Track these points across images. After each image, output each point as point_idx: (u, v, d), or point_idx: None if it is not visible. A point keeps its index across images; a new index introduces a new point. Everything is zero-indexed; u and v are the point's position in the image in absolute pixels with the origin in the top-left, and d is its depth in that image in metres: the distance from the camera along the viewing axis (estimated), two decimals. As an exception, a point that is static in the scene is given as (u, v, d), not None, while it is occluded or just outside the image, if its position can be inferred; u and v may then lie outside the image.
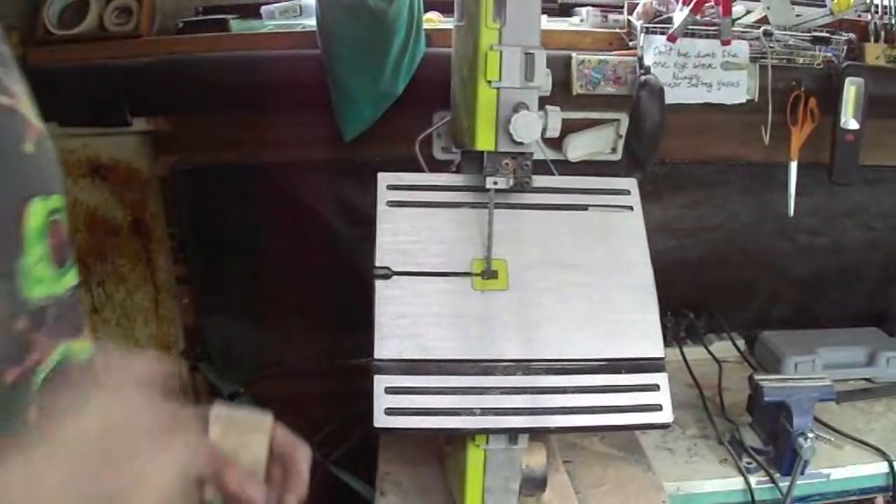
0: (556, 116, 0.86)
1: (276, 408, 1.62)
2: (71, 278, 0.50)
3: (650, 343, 0.90)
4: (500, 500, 0.94)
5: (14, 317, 0.43)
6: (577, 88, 1.30)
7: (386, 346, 0.85)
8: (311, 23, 1.29)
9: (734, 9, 1.29)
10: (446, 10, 1.35)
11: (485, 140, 0.87)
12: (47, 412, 0.45)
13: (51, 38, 1.28)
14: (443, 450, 1.09)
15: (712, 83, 1.33)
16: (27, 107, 0.49)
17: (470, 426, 0.85)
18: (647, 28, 1.31)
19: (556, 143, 1.33)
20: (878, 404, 1.38)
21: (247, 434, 0.58)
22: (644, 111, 1.26)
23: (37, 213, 0.46)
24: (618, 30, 1.38)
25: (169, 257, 1.41)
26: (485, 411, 0.84)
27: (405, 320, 0.87)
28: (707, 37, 1.31)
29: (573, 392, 0.86)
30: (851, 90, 1.32)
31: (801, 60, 1.35)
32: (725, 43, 1.29)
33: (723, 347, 1.51)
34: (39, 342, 0.46)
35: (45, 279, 0.47)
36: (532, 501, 0.99)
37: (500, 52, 0.83)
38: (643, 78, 1.27)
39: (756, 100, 1.35)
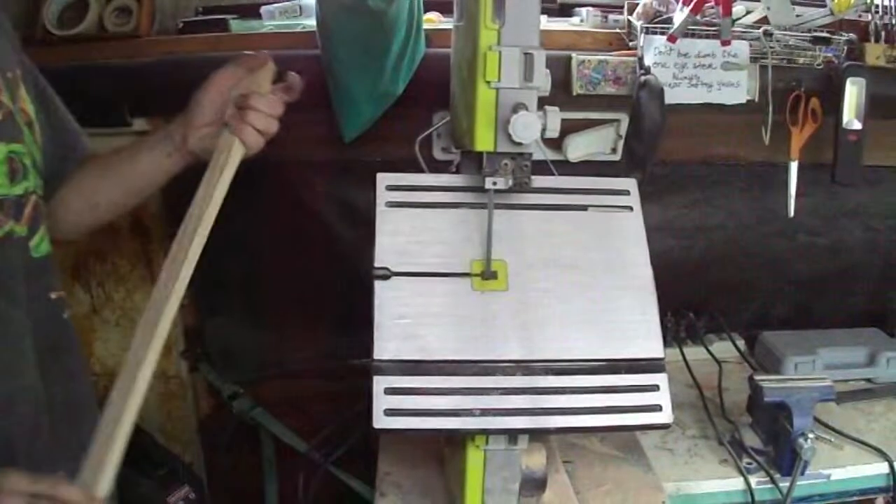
0: (555, 117, 0.86)
1: (276, 408, 1.63)
2: (19, 189, 0.82)
3: (650, 343, 0.90)
4: (500, 501, 0.94)
5: None
6: (576, 89, 1.30)
7: (385, 347, 0.85)
8: (311, 23, 1.29)
9: (734, 9, 1.28)
10: (446, 10, 1.35)
11: (484, 140, 0.87)
12: None
13: (50, 38, 1.28)
14: (443, 450, 1.09)
15: (712, 83, 1.33)
16: (3, 93, 0.80)
17: (470, 427, 0.85)
18: (647, 28, 1.31)
19: (555, 144, 1.33)
20: (878, 404, 1.38)
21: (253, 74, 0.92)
22: (644, 111, 1.26)
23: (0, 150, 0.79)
24: (618, 30, 1.38)
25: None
26: (484, 412, 0.84)
27: (405, 321, 0.87)
28: (707, 37, 1.31)
29: (573, 393, 0.86)
30: (853, 90, 1.32)
31: (801, 60, 1.35)
32: (725, 43, 1.29)
33: (723, 347, 1.51)
34: None
35: (1, 185, 0.79)
36: (532, 502, 0.99)
37: (500, 53, 0.83)
38: (643, 78, 1.27)
39: (756, 100, 1.35)
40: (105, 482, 0.73)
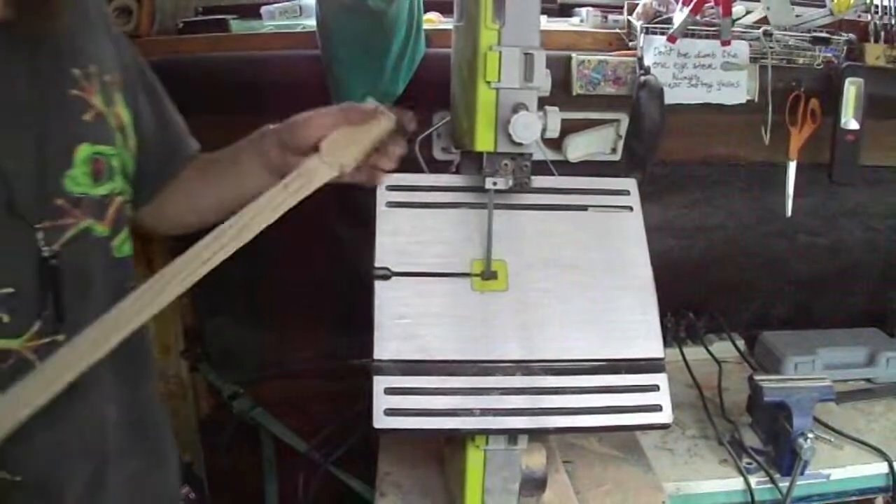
0: (555, 117, 0.86)
1: (276, 408, 1.63)
2: (103, 189, 0.81)
3: (650, 343, 0.90)
4: (500, 501, 0.94)
5: (53, 197, 0.77)
6: (576, 89, 1.31)
7: (386, 347, 0.85)
8: (311, 23, 1.29)
9: (734, 9, 1.29)
10: (446, 10, 1.35)
11: (484, 141, 0.87)
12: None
13: (51, 38, 1.28)
14: (443, 450, 1.09)
15: (712, 83, 1.33)
16: (96, 95, 0.82)
17: (469, 427, 0.85)
18: (646, 28, 1.31)
19: (555, 144, 1.33)
20: (878, 404, 1.38)
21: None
22: (644, 111, 1.26)
23: (84, 150, 0.79)
24: (618, 30, 1.38)
25: (168, 258, 1.41)
26: (484, 412, 0.84)
27: (405, 321, 0.87)
28: (707, 37, 1.31)
29: (573, 393, 0.86)
30: (852, 90, 1.32)
31: (800, 61, 1.35)
32: (725, 43, 1.29)
33: (723, 347, 1.51)
34: (73, 213, 0.78)
35: (84, 184, 0.79)
36: (532, 502, 0.99)
37: (500, 53, 0.83)
38: (643, 78, 1.27)
39: (756, 100, 1.35)
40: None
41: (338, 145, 0.88)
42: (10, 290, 0.75)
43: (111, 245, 0.85)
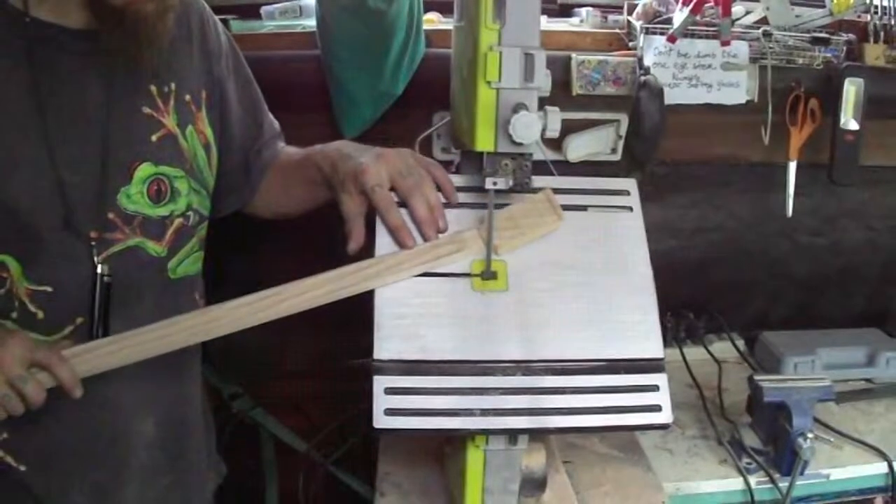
0: (555, 117, 0.86)
1: (276, 408, 1.62)
2: (163, 210, 0.84)
3: (650, 343, 0.89)
4: (500, 501, 0.93)
5: (106, 211, 0.80)
6: (576, 89, 1.31)
7: (386, 347, 0.85)
8: (311, 23, 1.29)
9: (734, 9, 1.29)
10: (446, 10, 1.35)
11: (484, 140, 0.86)
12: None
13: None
14: (443, 450, 1.09)
15: (712, 83, 1.33)
16: (169, 116, 0.84)
17: (470, 427, 0.85)
18: (646, 28, 1.31)
19: (555, 144, 1.33)
20: (878, 404, 1.38)
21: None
22: (644, 111, 1.26)
23: (145, 169, 0.82)
24: (618, 30, 1.38)
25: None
26: (485, 412, 0.84)
27: (405, 321, 0.87)
28: (707, 37, 1.31)
29: (573, 393, 0.86)
30: (851, 90, 1.33)
31: (800, 61, 1.35)
32: (725, 43, 1.29)
33: (723, 347, 1.51)
34: (123, 229, 0.81)
35: (139, 203, 0.82)
36: (532, 502, 0.99)
37: (500, 53, 0.83)
38: (643, 78, 1.27)
39: (756, 100, 1.35)
40: (91, 373, 0.76)
41: (500, 227, 0.88)
42: (49, 289, 0.77)
43: (167, 266, 0.86)
